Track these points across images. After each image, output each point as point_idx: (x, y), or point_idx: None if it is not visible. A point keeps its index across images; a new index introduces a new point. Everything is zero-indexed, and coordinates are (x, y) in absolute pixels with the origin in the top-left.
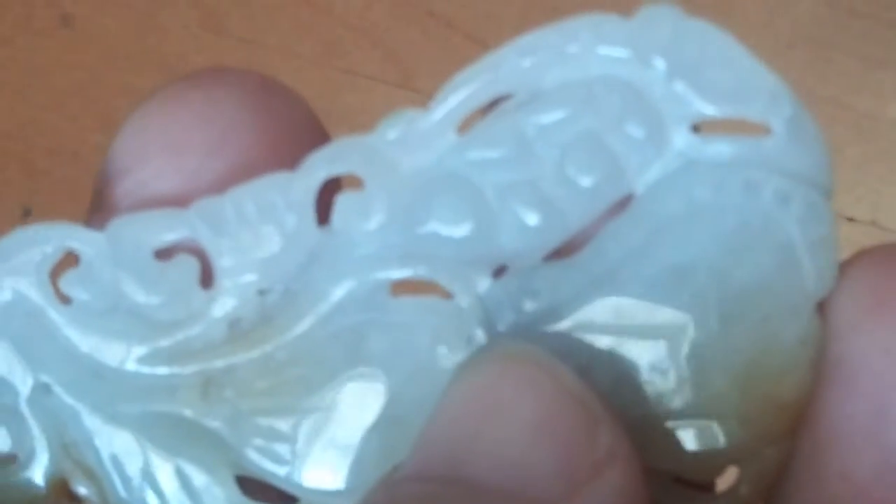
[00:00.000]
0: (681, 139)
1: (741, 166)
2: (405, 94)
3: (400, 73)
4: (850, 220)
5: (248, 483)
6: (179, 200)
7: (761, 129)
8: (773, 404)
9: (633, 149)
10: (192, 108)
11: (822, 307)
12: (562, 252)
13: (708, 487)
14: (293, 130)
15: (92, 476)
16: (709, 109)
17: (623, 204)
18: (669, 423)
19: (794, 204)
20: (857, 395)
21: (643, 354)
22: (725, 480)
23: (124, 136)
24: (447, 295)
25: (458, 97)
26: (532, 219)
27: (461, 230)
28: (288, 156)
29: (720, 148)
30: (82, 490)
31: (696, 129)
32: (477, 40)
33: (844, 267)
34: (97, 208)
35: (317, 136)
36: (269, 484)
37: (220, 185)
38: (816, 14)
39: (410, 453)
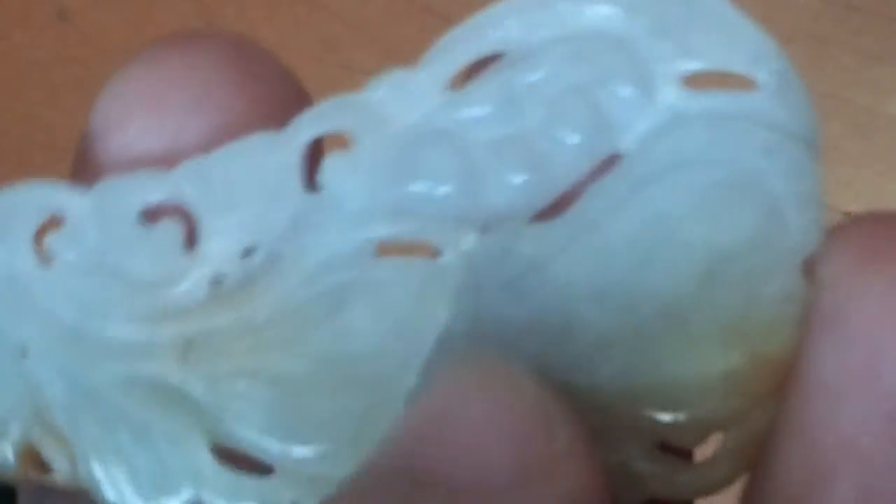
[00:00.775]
0: (668, 94)
1: (728, 120)
2: None
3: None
4: (848, 215)
5: (223, 451)
6: (164, 160)
7: (747, 86)
8: (759, 361)
9: (621, 104)
10: (171, 68)
11: (808, 266)
12: (549, 211)
13: (690, 455)
14: (272, 87)
15: (63, 441)
16: (695, 63)
17: (610, 162)
18: (654, 383)
19: (779, 157)
20: (850, 342)
21: (628, 313)
22: (710, 448)
23: (106, 99)
24: (432, 256)
25: (446, 57)
26: (519, 176)
27: (448, 187)
28: (269, 111)
29: (707, 102)
30: (52, 457)
31: (683, 83)
32: None
33: (833, 230)
34: (80, 172)
35: (296, 92)
36: (243, 453)
37: (204, 143)
38: (814, 9)
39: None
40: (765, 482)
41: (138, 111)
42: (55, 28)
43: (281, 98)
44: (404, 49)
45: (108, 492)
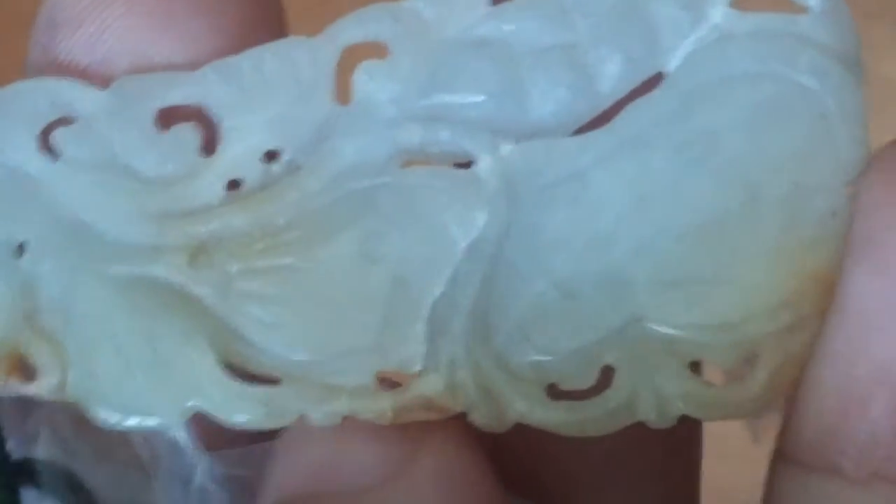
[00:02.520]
0: (717, 13)
1: (776, 38)
2: None
3: None
4: None
5: (227, 365)
6: (150, 47)
7: (795, 10)
8: (805, 277)
9: (670, 21)
10: None
11: (852, 185)
12: (591, 126)
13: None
14: None
15: (54, 344)
16: None
17: (656, 80)
18: (694, 296)
19: (828, 77)
20: (884, 271)
21: (669, 220)
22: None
23: None
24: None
25: None
26: (563, 88)
27: (487, 96)
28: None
29: (757, 22)
30: (42, 364)
31: (731, 4)
32: None
33: (871, 158)
34: (39, 66)
35: None
36: (249, 364)
37: (193, 28)
38: None
39: None
40: (798, 410)
41: None
42: None
43: None
44: None
45: (99, 406)
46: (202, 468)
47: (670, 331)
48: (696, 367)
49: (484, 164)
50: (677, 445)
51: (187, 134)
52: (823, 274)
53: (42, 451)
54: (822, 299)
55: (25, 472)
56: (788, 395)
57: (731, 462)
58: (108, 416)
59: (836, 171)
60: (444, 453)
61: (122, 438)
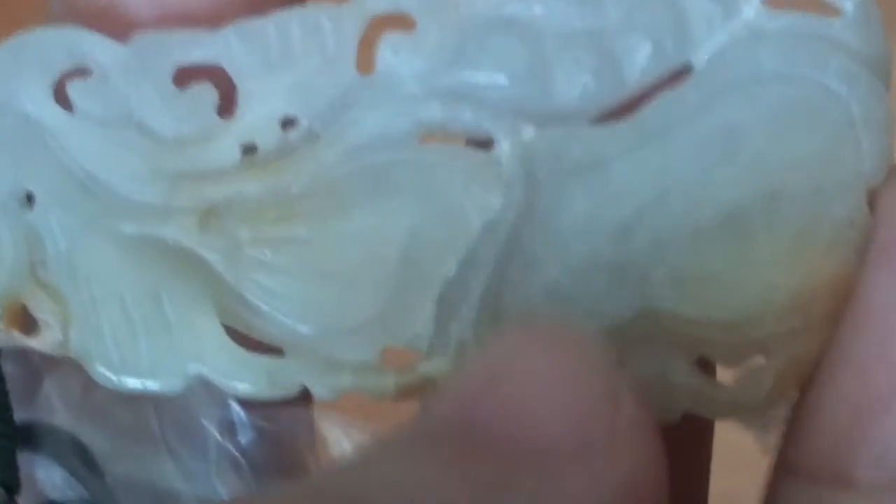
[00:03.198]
0: (750, 10)
1: (808, 40)
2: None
3: None
4: None
5: (232, 333)
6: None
7: (829, 12)
8: (817, 281)
9: (702, 13)
10: None
11: (871, 196)
12: (614, 114)
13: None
14: None
15: (58, 298)
16: None
17: (682, 72)
18: (708, 294)
19: (857, 83)
20: None
21: (688, 215)
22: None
23: None
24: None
25: None
26: (589, 74)
27: (512, 77)
28: None
29: (787, 21)
30: (44, 317)
31: (765, 2)
32: None
33: (893, 167)
34: (58, 9)
35: None
36: (253, 332)
37: None
38: None
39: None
40: (809, 419)
41: None
42: None
43: None
44: None
45: (100, 365)
46: (224, 431)
47: (680, 326)
48: (705, 364)
49: (504, 147)
50: (685, 450)
51: (205, 94)
52: (836, 281)
53: (48, 415)
54: (832, 306)
55: (27, 436)
56: (794, 404)
57: (742, 472)
58: (109, 377)
59: (857, 178)
60: (643, 450)
61: (131, 409)
